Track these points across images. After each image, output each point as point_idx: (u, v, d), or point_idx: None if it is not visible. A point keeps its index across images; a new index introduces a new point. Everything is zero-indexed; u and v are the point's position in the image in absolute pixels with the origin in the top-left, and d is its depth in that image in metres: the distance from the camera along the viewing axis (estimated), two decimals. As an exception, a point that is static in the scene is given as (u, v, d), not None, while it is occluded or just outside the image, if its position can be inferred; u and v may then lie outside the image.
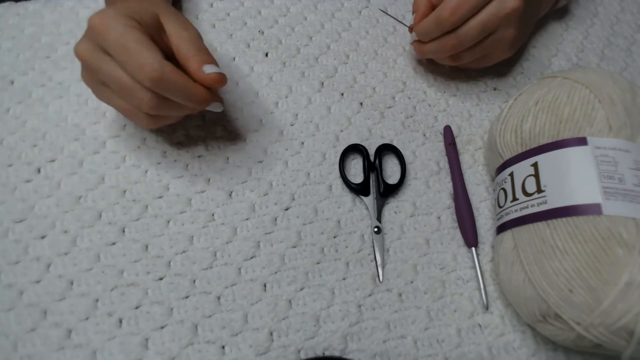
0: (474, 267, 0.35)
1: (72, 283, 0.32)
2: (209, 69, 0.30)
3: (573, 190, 0.28)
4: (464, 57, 0.39)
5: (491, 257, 0.35)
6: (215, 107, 0.32)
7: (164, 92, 0.29)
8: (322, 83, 0.42)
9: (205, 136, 0.39)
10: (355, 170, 0.39)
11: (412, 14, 0.40)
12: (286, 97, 0.41)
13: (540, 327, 0.30)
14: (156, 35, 0.31)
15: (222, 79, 0.30)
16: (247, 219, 0.35)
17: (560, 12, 0.49)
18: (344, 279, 0.34)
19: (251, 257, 0.34)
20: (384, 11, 0.39)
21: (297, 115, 0.40)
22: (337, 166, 0.38)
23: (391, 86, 0.43)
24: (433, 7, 0.38)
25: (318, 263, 0.34)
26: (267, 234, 0.35)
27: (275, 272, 0.34)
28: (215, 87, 0.31)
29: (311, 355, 0.31)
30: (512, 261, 0.31)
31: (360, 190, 0.37)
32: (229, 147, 0.38)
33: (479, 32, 0.36)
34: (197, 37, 0.32)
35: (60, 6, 0.44)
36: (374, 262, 0.35)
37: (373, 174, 0.38)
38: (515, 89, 0.43)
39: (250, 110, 0.40)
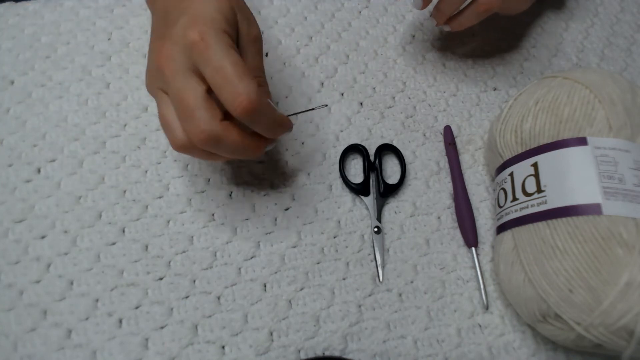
0: (474, 267, 0.35)
1: (72, 283, 0.32)
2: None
3: (573, 190, 0.28)
4: None
5: (491, 257, 0.35)
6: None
7: (252, 124, 0.27)
8: (322, 83, 0.42)
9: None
10: (355, 170, 0.39)
11: None
12: (286, 97, 0.41)
13: (540, 327, 0.30)
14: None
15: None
16: (247, 219, 0.35)
17: (560, 12, 0.49)
18: (344, 279, 0.34)
19: (251, 257, 0.34)
20: None
21: (297, 115, 0.40)
22: (337, 166, 0.38)
23: (391, 86, 0.43)
24: None
25: (318, 263, 0.34)
26: (267, 234, 0.35)
27: (275, 272, 0.34)
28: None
29: (311, 355, 0.31)
30: (512, 261, 0.31)
31: (360, 190, 0.37)
32: (229, 147, 0.38)
33: None
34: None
35: (60, 6, 0.44)
36: (374, 262, 0.35)
37: (373, 174, 0.38)
38: (515, 89, 0.43)
39: (250, 110, 0.40)
